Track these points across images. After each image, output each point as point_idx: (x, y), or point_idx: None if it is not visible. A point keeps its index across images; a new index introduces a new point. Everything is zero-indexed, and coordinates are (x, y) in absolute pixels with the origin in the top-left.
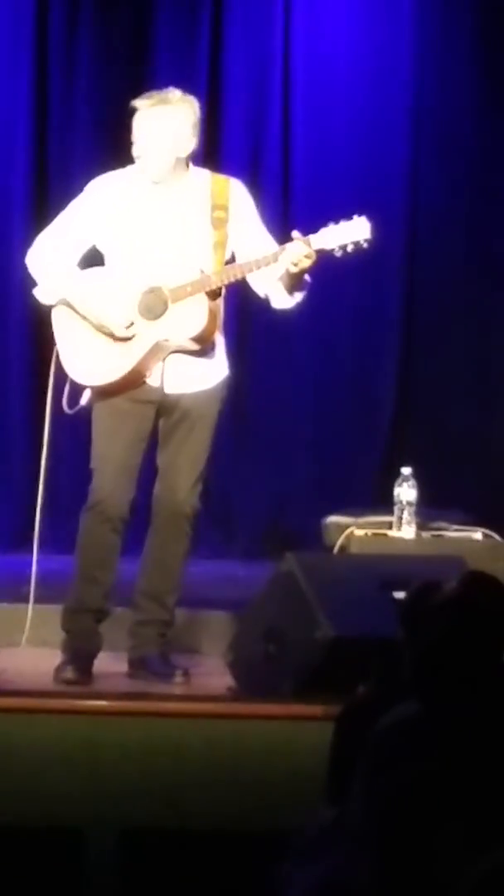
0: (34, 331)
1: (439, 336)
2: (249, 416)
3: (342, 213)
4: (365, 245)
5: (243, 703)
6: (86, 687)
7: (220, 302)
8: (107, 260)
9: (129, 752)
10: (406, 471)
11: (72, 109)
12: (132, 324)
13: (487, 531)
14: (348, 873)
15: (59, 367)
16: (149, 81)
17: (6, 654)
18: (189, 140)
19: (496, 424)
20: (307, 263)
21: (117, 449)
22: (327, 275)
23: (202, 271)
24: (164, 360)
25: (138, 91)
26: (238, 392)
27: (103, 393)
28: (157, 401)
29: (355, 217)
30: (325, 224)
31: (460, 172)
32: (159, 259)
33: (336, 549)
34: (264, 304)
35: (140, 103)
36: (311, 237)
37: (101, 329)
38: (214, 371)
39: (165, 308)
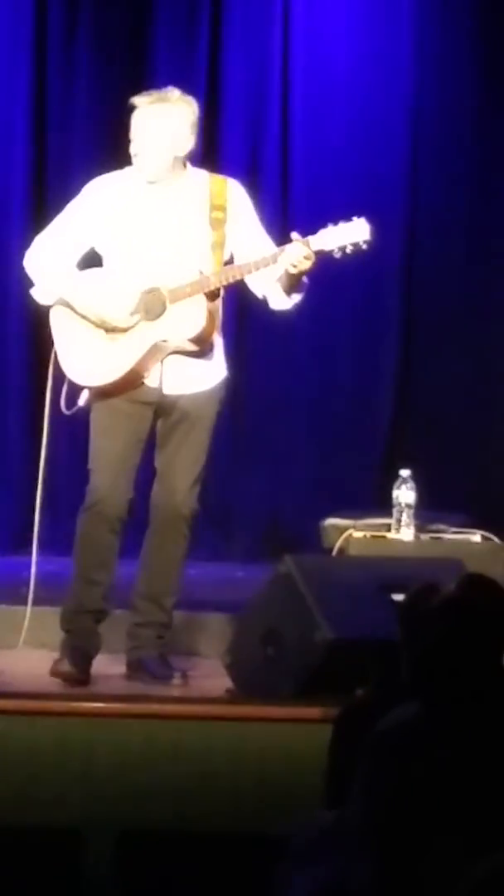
0: (32, 331)
1: (438, 338)
2: (248, 418)
3: (341, 214)
4: (364, 247)
5: (242, 705)
6: (83, 685)
7: (219, 303)
8: (105, 261)
9: (128, 754)
10: (405, 473)
11: (70, 110)
12: (133, 318)
13: (486, 533)
14: (348, 876)
15: (58, 368)
16: (148, 82)
17: (3, 656)
18: (187, 139)
19: (495, 426)
20: (306, 265)
21: (115, 449)
22: (326, 276)
23: (201, 272)
24: (162, 361)
25: (137, 91)
26: (237, 393)
27: (101, 394)
28: (156, 402)
29: (355, 218)
30: (324, 225)
31: (459, 173)
32: (158, 260)
33: (335, 552)
34: (262, 305)
35: (139, 101)
36: (311, 238)
37: (102, 325)
38: (213, 372)
39: (164, 309)
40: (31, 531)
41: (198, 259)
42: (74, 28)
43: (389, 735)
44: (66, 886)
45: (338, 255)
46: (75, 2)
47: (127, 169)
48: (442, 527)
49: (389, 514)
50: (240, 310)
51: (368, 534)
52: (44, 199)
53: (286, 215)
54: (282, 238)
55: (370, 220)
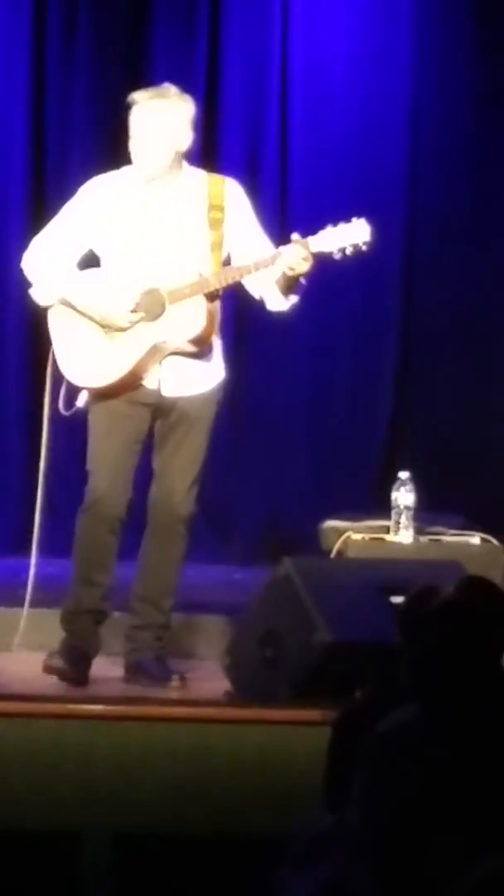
0: (31, 332)
1: (438, 340)
2: (247, 420)
3: (340, 215)
4: (364, 248)
5: (240, 707)
6: (79, 685)
7: (218, 304)
8: (103, 262)
9: (126, 756)
10: (404, 475)
11: (69, 110)
12: (132, 321)
13: (485, 536)
14: (347, 878)
15: (56, 369)
16: (147, 82)
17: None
18: (186, 135)
19: (494, 428)
20: (304, 267)
21: (113, 450)
22: (326, 278)
23: (200, 273)
24: (161, 362)
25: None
26: (235, 395)
27: (100, 395)
28: (154, 403)
29: (354, 219)
30: (323, 226)
31: (459, 173)
32: (156, 260)
33: (333, 554)
34: (260, 305)
35: (138, 96)
36: (310, 239)
37: (103, 321)
38: (211, 374)
39: (163, 310)
40: (31, 533)
41: (197, 260)
42: (73, 28)
43: (389, 737)
44: (64, 888)
45: (337, 256)
46: (74, 2)
47: (124, 169)
48: (441, 529)
49: (388, 517)
50: (239, 311)
51: (367, 536)
52: (43, 200)
53: (285, 216)
54: (281, 239)
55: (370, 220)
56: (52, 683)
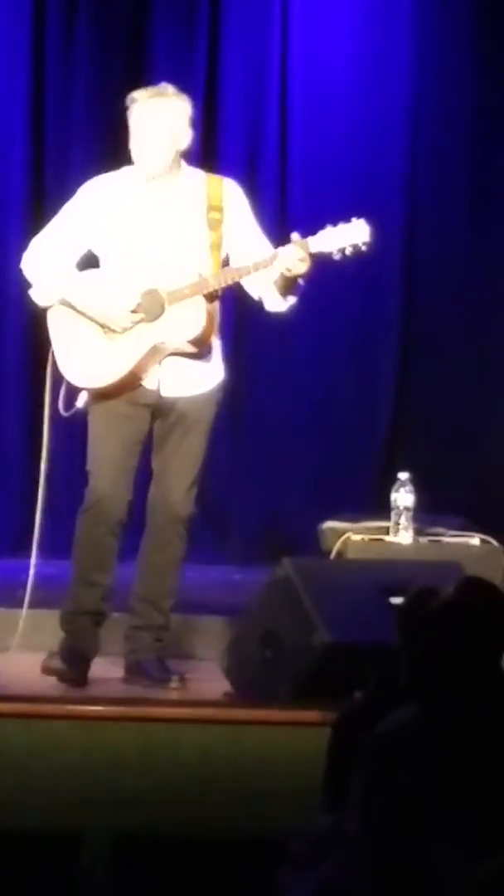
0: (31, 333)
1: (437, 341)
2: (246, 420)
3: (340, 215)
4: (364, 248)
5: (240, 708)
6: (78, 685)
7: (217, 304)
8: (102, 263)
9: (125, 757)
10: (403, 476)
11: (69, 110)
12: (132, 321)
13: (485, 537)
14: (347, 879)
15: (56, 370)
16: (146, 82)
17: None
18: (186, 133)
19: (494, 429)
20: (302, 268)
21: (114, 451)
22: (325, 279)
23: (200, 274)
24: (160, 362)
25: None
26: (235, 396)
27: (100, 395)
28: (154, 404)
29: (354, 220)
30: (323, 227)
31: (459, 174)
32: (156, 261)
33: (333, 555)
34: (259, 306)
35: (137, 95)
36: (310, 240)
37: (103, 322)
38: (211, 374)
39: (163, 310)
40: (31, 533)
41: (196, 260)
42: (73, 28)
43: (388, 738)
44: (64, 889)
45: (337, 256)
46: (74, 2)
47: (123, 169)
48: (440, 530)
49: (388, 518)
50: (238, 312)
51: (367, 537)
52: (42, 200)
53: (285, 217)
54: (281, 239)
55: (369, 221)
56: (51, 684)
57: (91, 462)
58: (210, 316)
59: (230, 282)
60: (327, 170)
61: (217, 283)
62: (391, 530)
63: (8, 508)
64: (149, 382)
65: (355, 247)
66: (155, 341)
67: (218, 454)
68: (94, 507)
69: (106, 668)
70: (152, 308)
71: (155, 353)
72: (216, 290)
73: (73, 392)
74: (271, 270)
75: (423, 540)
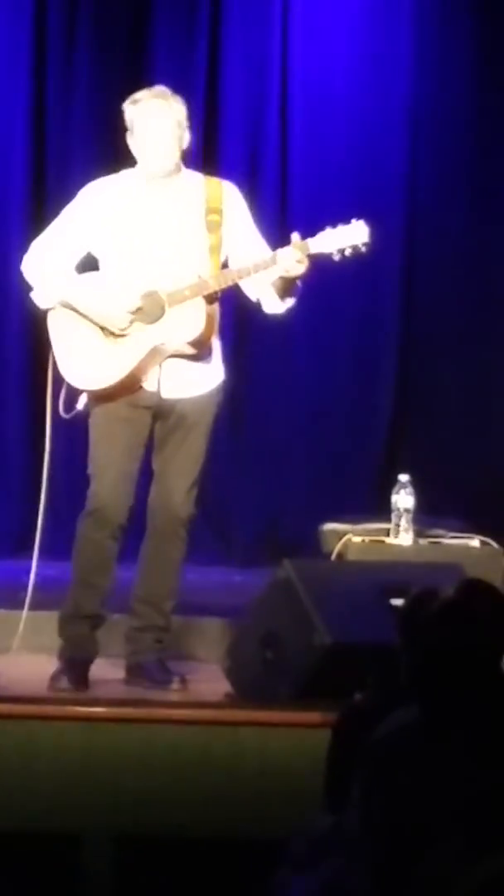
0: (32, 335)
1: (437, 342)
2: (246, 422)
3: (340, 216)
4: (363, 249)
5: (241, 709)
6: (80, 689)
7: (217, 306)
8: (102, 265)
9: (126, 758)
10: (403, 478)
11: (70, 112)
12: (132, 322)
13: (485, 538)
14: (347, 880)
15: (56, 372)
16: (147, 84)
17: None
18: (186, 134)
19: (494, 431)
20: (300, 270)
21: (115, 455)
22: (325, 280)
23: (199, 276)
24: (160, 364)
25: None
26: (235, 397)
27: (100, 397)
28: (154, 405)
29: (353, 221)
30: (322, 228)
31: (459, 176)
32: (156, 263)
33: (333, 556)
34: (257, 308)
35: (141, 96)
36: (310, 241)
37: (103, 324)
38: (210, 376)
39: (163, 312)
40: (32, 535)
41: (196, 262)
42: (74, 30)
43: (389, 739)
44: (65, 890)
45: (337, 257)
46: (75, 4)
47: (123, 172)
48: (440, 532)
49: (388, 519)
50: (238, 313)
51: (367, 538)
52: (43, 202)
53: (285, 218)
54: (281, 241)
55: (369, 221)
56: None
57: (92, 466)
58: (210, 317)
59: (230, 283)
60: (327, 170)
61: (217, 284)
62: (391, 532)
63: (9, 510)
64: (149, 384)
65: (355, 248)
66: (155, 343)
67: (218, 455)
68: (96, 513)
69: (107, 670)
70: (152, 310)
71: (155, 355)
72: (216, 292)
73: (73, 394)
74: (270, 272)
75: (424, 542)
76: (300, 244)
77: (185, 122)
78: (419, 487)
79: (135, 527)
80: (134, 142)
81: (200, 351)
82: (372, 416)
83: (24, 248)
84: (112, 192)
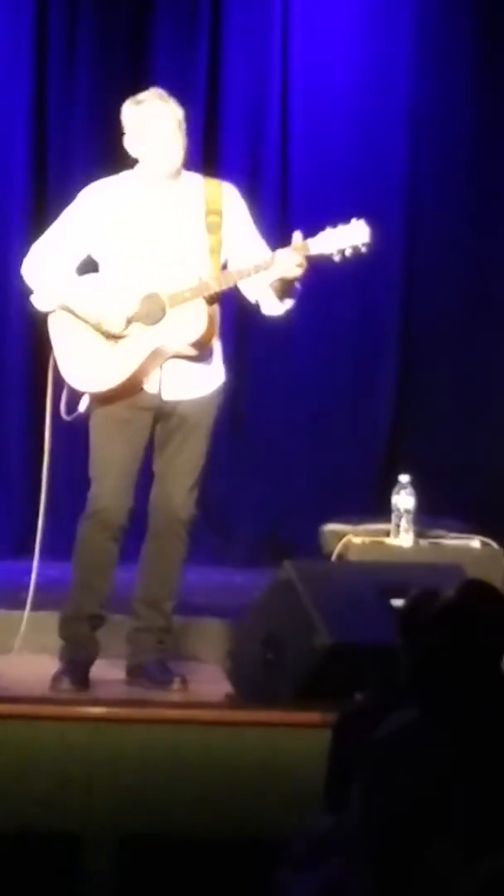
0: (33, 337)
1: (438, 343)
2: (247, 423)
3: (340, 216)
4: (364, 249)
5: (241, 710)
6: (81, 690)
7: (218, 307)
8: (102, 267)
9: (127, 759)
10: (404, 478)
11: (71, 113)
12: (130, 324)
13: (485, 539)
14: (347, 880)
15: (57, 374)
16: (148, 85)
17: (0, 660)
18: (185, 135)
19: (494, 432)
20: (299, 271)
21: (116, 457)
22: (325, 281)
23: (200, 277)
24: (161, 366)
25: None
26: (236, 398)
27: (101, 399)
28: (155, 407)
29: (354, 221)
30: (323, 228)
31: (459, 176)
32: (156, 264)
33: (334, 557)
34: (256, 310)
35: (144, 97)
36: (310, 241)
37: (98, 328)
38: (211, 377)
39: (163, 314)
40: (33, 535)
41: (196, 263)
42: (75, 31)
43: (389, 739)
44: (66, 891)
45: (337, 258)
46: (76, 5)
47: (123, 174)
48: (441, 532)
49: (389, 520)
50: (239, 314)
51: (368, 539)
52: (44, 204)
53: (285, 218)
54: (281, 241)
55: (369, 222)
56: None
57: (93, 468)
58: (211, 319)
59: (230, 284)
60: (328, 170)
61: (217, 285)
62: (392, 532)
63: (11, 511)
64: (150, 386)
65: (355, 248)
66: (156, 345)
67: (219, 456)
68: (97, 515)
69: (108, 670)
70: (153, 312)
71: (156, 357)
72: (216, 293)
73: (74, 396)
74: (270, 273)
75: (424, 542)
76: (300, 245)
77: (183, 124)
78: (419, 488)
79: (135, 528)
80: (134, 143)
81: (201, 352)
82: (372, 417)
83: (24, 249)
84: (112, 193)
